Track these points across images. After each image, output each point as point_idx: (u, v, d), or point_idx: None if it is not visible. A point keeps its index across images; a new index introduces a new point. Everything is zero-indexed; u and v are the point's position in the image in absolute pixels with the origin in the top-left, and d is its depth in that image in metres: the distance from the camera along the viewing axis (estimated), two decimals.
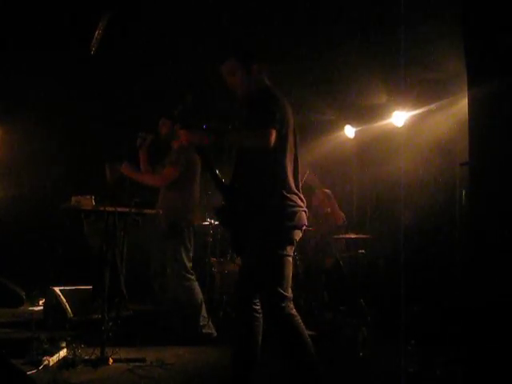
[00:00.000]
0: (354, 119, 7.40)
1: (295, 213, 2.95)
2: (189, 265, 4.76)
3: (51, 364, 3.75)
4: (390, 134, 6.65)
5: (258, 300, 3.03)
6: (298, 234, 3.00)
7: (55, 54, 5.93)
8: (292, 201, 2.95)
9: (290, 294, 2.93)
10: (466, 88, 2.57)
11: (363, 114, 7.19)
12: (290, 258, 2.98)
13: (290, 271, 2.96)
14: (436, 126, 5.99)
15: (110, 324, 3.96)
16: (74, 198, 4.18)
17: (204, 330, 4.73)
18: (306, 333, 2.93)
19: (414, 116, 6.38)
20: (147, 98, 6.70)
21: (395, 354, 3.98)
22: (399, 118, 6.49)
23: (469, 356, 2.56)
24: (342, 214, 6.17)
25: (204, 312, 4.79)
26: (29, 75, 6.17)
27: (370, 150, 7.09)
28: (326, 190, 6.28)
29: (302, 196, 3.03)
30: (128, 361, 3.90)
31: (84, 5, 5.09)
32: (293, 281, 5.33)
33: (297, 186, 3.02)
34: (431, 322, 4.64)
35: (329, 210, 6.24)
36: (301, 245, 5.73)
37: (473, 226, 2.56)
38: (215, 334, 4.78)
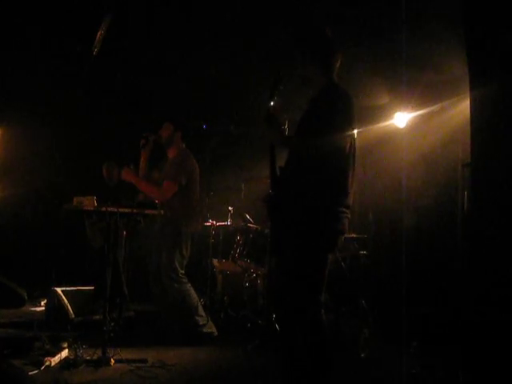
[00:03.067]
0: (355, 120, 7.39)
1: (344, 218, 2.87)
2: (180, 270, 4.73)
3: (53, 364, 3.75)
4: (392, 135, 6.64)
5: None
6: (341, 240, 2.92)
7: (56, 53, 5.94)
8: (344, 206, 2.87)
9: (322, 298, 2.88)
10: (468, 89, 2.57)
11: (365, 114, 7.17)
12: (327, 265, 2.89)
13: (325, 276, 2.88)
14: (438, 127, 5.98)
15: (112, 324, 3.97)
16: (75, 199, 4.18)
17: (204, 330, 4.73)
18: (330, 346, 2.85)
19: (416, 117, 6.37)
20: (149, 98, 6.70)
21: (397, 355, 3.97)
22: (401, 119, 6.48)
23: (469, 357, 2.55)
24: None
25: (202, 312, 4.78)
26: (29, 75, 6.17)
27: (372, 151, 7.08)
28: None
29: (351, 202, 2.94)
30: (129, 361, 3.90)
31: (86, 5, 5.10)
32: None
33: (348, 193, 2.92)
34: (433, 323, 4.64)
35: None
36: None
37: (474, 227, 2.56)
38: (216, 333, 4.79)
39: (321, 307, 2.85)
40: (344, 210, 2.87)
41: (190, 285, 4.78)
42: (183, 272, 4.76)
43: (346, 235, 5.76)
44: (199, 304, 4.80)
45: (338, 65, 3.07)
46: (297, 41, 3.08)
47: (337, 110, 2.84)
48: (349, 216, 2.91)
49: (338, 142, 2.81)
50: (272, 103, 2.96)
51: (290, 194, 2.87)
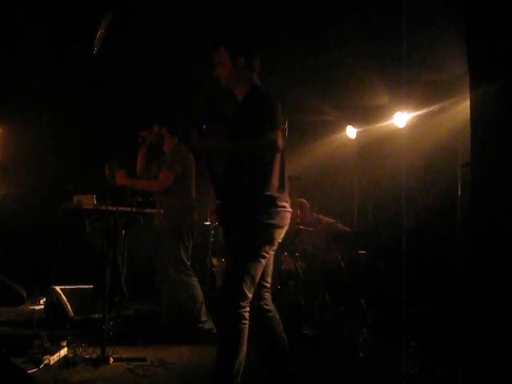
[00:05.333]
0: (355, 120, 7.40)
1: (277, 212, 2.92)
2: (187, 262, 4.80)
3: (52, 363, 3.75)
4: (392, 135, 6.64)
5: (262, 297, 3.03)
6: (279, 234, 2.96)
7: (57, 53, 5.94)
8: (276, 200, 2.92)
9: (251, 295, 2.85)
10: (468, 89, 2.57)
11: (365, 114, 7.18)
12: (264, 260, 2.92)
13: (259, 273, 2.90)
14: (438, 128, 5.99)
15: (111, 323, 3.97)
16: (75, 197, 4.19)
17: (206, 326, 4.75)
18: (245, 346, 2.83)
19: (416, 117, 6.38)
20: (149, 97, 6.71)
21: (396, 355, 3.96)
22: (401, 119, 6.48)
23: (468, 357, 2.56)
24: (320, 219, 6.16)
25: (204, 308, 4.82)
26: (30, 75, 6.18)
27: (372, 151, 7.09)
28: (302, 200, 6.24)
29: (287, 197, 3.00)
30: (129, 360, 3.90)
31: (86, 4, 5.10)
32: (294, 281, 5.37)
33: (283, 187, 2.98)
34: (432, 323, 4.64)
35: (298, 220, 6.17)
36: (301, 246, 5.74)
37: (474, 227, 2.56)
38: (215, 329, 4.81)
39: (246, 301, 2.82)
40: (282, 205, 2.94)
41: (196, 279, 4.83)
42: (189, 264, 4.80)
43: (345, 236, 5.82)
44: (203, 300, 4.84)
45: (258, 67, 3.14)
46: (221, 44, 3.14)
47: (267, 108, 2.91)
48: (289, 211, 2.99)
49: (274, 137, 2.86)
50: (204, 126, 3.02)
51: (235, 196, 2.96)
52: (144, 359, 3.97)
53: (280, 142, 2.86)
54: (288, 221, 3.00)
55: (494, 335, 2.36)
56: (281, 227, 2.96)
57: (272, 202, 2.91)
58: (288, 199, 3.02)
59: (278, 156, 2.97)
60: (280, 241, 3.02)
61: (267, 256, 2.94)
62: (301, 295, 5.26)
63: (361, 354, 4.41)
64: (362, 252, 5.46)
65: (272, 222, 2.89)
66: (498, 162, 2.42)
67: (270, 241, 2.92)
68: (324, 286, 5.53)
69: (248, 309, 2.84)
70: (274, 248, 3.01)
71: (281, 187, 2.97)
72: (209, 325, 4.80)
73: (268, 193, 2.90)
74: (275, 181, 2.94)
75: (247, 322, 2.82)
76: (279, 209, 2.93)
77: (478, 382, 2.45)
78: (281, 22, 5.15)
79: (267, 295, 3.08)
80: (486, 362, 2.40)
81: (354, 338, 4.60)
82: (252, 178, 2.92)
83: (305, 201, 6.23)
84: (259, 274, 2.90)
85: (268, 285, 3.09)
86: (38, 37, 5.70)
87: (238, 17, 5.13)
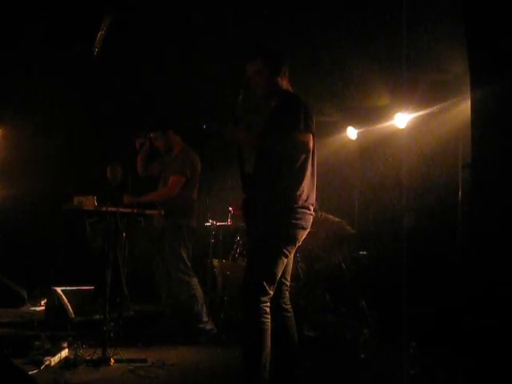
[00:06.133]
0: (356, 121, 7.40)
1: (304, 213, 3.00)
2: (188, 263, 4.80)
3: (53, 364, 3.75)
4: (393, 136, 6.64)
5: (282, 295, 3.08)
6: (302, 235, 3.03)
7: (57, 54, 5.94)
8: (303, 203, 3.01)
9: (272, 291, 2.93)
10: (469, 89, 2.57)
11: (366, 115, 7.18)
12: (286, 259, 3.00)
13: (280, 270, 2.98)
14: (438, 128, 5.98)
15: (112, 324, 3.97)
16: (76, 199, 4.19)
17: (207, 327, 4.75)
18: (269, 340, 2.88)
19: (417, 118, 6.37)
20: (149, 98, 6.71)
21: (396, 356, 3.97)
22: (402, 119, 6.48)
23: (468, 357, 2.55)
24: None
25: (205, 308, 4.83)
26: (30, 75, 6.18)
27: (373, 152, 7.08)
28: None
29: (313, 201, 3.10)
30: (129, 361, 3.90)
31: (87, 5, 5.10)
32: (295, 282, 5.36)
33: (312, 190, 3.09)
34: (432, 323, 4.63)
35: (322, 213, 6.21)
36: (302, 247, 5.74)
37: (474, 228, 2.56)
38: (215, 330, 4.82)
39: (268, 297, 2.90)
40: (307, 206, 3.03)
41: (196, 279, 4.83)
42: (190, 264, 4.81)
43: (350, 237, 5.81)
44: (204, 301, 4.84)
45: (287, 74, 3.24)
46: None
47: (301, 112, 2.99)
48: (312, 214, 3.07)
49: (306, 139, 2.96)
50: (238, 101, 3.12)
51: (263, 194, 3.03)
52: (145, 360, 3.97)
53: (311, 145, 2.97)
54: (311, 223, 3.07)
55: (495, 335, 2.36)
56: (305, 228, 3.04)
57: (300, 203, 2.98)
58: (314, 203, 3.11)
59: (310, 159, 3.07)
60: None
61: (289, 255, 3.02)
62: (301, 296, 5.26)
63: (362, 355, 4.41)
64: (362, 253, 5.46)
65: (298, 222, 2.97)
66: (499, 162, 2.42)
67: (294, 240, 3.00)
68: (325, 286, 5.53)
69: (269, 304, 2.91)
70: (295, 248, 3.07)
71: (310, 190, 3.06)
72: (210, 325, 4.80)
73: (298, 193, 2.98)
74: (306, 182, 3.04)
75: (269, 316, 2.89)
76: (306, 210, 3.02)
77: (479, 381, 2.45)
78: (280, 22, 5.14)
79: (286, 294, 3.14)
80: (487, 362, 2.39)
81: (355, 338, 4.60)
82: (284, 177, 2.99)
83: None
84: (280, 272, 2.97)
85: (288, 283, 3.15)
86: (38, 38, 5.70)
87: (237, 17, 5.12)
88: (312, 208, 3.08)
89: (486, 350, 2.40)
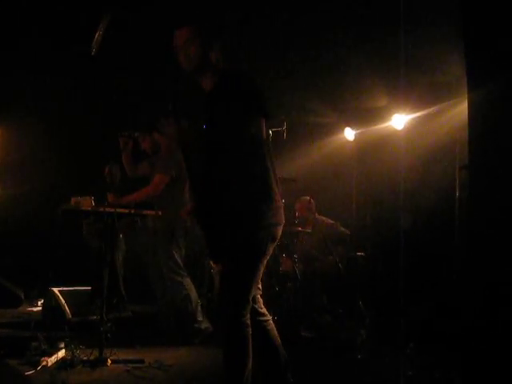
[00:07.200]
0: (353, 122, 7.41)
1: (279, 208, 2.73)
2: (180, 263, 4.79)
3: (49, 365, 3.74)
4: (390, 137, 6.65)
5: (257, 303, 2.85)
6: (279, 232, 2.77)
7: (56, 54, 5.94)
8: (275, 195, 2.72)
9: (250, 300, 2.67)
10: (466, 91, 2.58)
11: (363, 116, 7.19)
12: (265, 261, 2.74)
13: (260, 274, 2.73)
14: (436, 129, 5.99)
15: (109, 325, 3.95)
16: (73, 199, 4.18)
17: (202, 326, 4.76)
18: (251, 354, 2.65)
19: (414, 119, 6.39)
20: (149, 98, 6.70)
21: (394, 357, 3.98)
22: (399, 120, 6.49)
23: (466, 358, 2.56)
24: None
25: (200, 307, 4.83)
26: (29, 75, 6.18)
27: (370, 153, 7.09)
28: (309, 198, 6.28)
29: (279, 192, 2.79)
30: (126, 362, 3.89)
31: (85, 5, 5.10)
32: (292, 283, 5.36)
33: (276, 181, 2.75)
34: (430, 324, 4.64)
35: (312, 216, 6.24)
36: (299, 248, 5.75)
37: (472, 229, 2.56)
38: (211, 328, 4.82)
39: (248, 307, 2.65)
40: (277, 199, 2.74)
41: (189, 279, 4.82)
42: (182, 265, 4.80)
43: (345, 238, 5.82)
44: (198, 300, 4.84)
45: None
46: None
47: (246, 91, 2.66)
48: (281, 206, 2.77)
49: (257, 128, 2.64)
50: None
51: (220, 195, 2.72)
52: (142, 361, 3.97)
53: (263, 129, 2.65)
54: (283, 218, 2.79)
55: (493, 336, 2.36)
56: (281, 224, 2.76)
57: (272, 199, 2.70)
58: (280, 195, 2.80)
59: (268, 147, 2.75)
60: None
61: (268, 256, 2.76)
62: (298, 297, 5.26)
63: (359, 356, 4.41)
64: (359, 254, 5.47)
65: (274, 219, 2.70)
66: (496, 163, 2.42)
67: (274, 240, 2.73)
68: (322, 287, 5.53)
69: (249, 315, 2.67)
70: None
71: (276, 182, 2.76)
72: (205, 324, 4.80)
73: (268, 189, 2.69)
74: (272, 175, 2.74)
75: (250, 328, 2.66)
76: (278, 204, 2.73)
77: (477, 382, 2.45)
78: (280, 22, 5.15)
79: (260, 298, 2.89)
80: (485, 364, 2.40)
81: (352, 339, 4.60)
82: (250, 173, 2.69)
83: (311, 199, 6.25)
84: (260, 276, 2.75)
85: (260, 286, 2.88)
86: (38, 38, 5.70)
87: (237, 18, 5.13)
88: (281, 201, 2.78)
89: (485, 351, 2.40)
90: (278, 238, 2.79)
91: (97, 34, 5.39)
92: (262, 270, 2.73)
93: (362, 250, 5.84)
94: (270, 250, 2.74)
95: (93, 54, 5.62)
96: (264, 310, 2.88)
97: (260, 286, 2.87)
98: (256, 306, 2.82)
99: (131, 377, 3.68)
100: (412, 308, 4.67)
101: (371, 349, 4.51)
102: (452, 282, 4.97)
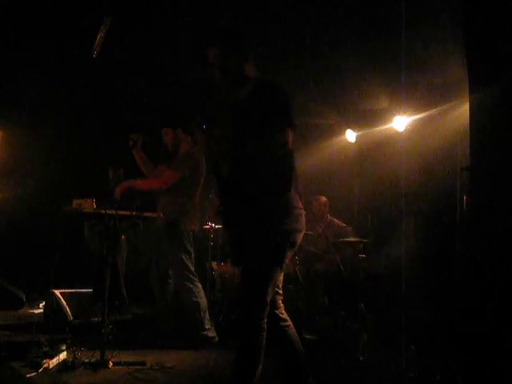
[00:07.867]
0: (355, 124, 7.41)
1: (300, 215, 2.79)
2: (192, 268, 4.75)
3: (51, 367, 3.74)
4: (392, 139, 6.65)
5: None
6: (299, 238, 2.82)
7: (57, 56, 5.95)
8: (297, 202, 2.79)
9: (267, 304, 2.69)
10: (467, 93, 2.58)
11: (364, 118, 7.19)
12: (284, 267, 2.78)
13: (277, 279, 2.78)
14: (437, 131, 5.99)
15: (110, 327, 3.95)
16: (75, 201, 4.18)
17: (209, 334, 4.72)
18: (262, 357, 2.68)
19: (416, 121, 6.38)
20: (149, 99, 6.71)
21: (395, 359, 3.97)
22: (400, 122, 6.49)
23: (467, 360, 2.55)
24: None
25: (208, 315, 4.78)
26: (30, 77, 6.18)
27: (371, 155, 7.09)
28: (325, 199, 6.38)
29: (301, 200, 2.86)
30: (128, 364, 3.90)
31: (86, 8, 5.11)
32: (293, 285, 5.36)
33: (297, 189, 2.83)
34: (431, 327, 4.63)
35: (328, 216, 6.34)
36: (301, 249, 5.75)
37: (473, 230, 2.56)
38: (217, 338, 4.77)
39: (266, 311, 2.68)
40: (299, 207, 2.80)
41: (200, 286, 4.78)
42: (193, 268, 4.76)
43: (344, 239, 5.83)
44: (207, 307, 4.80)
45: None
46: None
47: (280, 103, 2.73)
48: (304, 212, 2.84)
49: (284, 137, 2.71)
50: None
51: (244, 200, 2.77)
52: (143, 363, 3.97)
53: (289, 142, 2.71)
54: (305, 225, 2.86)
55: (494, 339, 2.36)
56: (301, 231, 2.81)
57: (293, 205, 2.76)
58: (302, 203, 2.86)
59: (293, 155, 2.82)
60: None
61: (287, 261, 2.80)
62: (300, 299, 5.26)
63: (360, 358, 4.41)
64: (361, 256, 5.46)
65: (295, 226, 2.76)
66: (497, 165, 2.42)
67: (293, 246, 2.79)
68: (323, 289, 5.53)
69: (266, 319, 2.70)
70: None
71: (297, 188, 2.82)
72: (212, 333, 4.76)
73: (289, 195, 2.76)
74: (294, 182, 2.80)
75: (265, 333, 2.68)
76: (300, 211, 2.79)
77: None
78: (280, 24, 5.15)
79: (281, 303, 2.92)
80: (485, 366, 2.39)
81: (354, 341, 4.60)
82: (276, 181, 2.76)
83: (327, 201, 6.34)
84: (278, 280, 2.79)
85: (281, 291, 2.94)
86: (39, 40, 5.71)
87: (237, 19, 5.13)
88: (303, 207, 2.84)
89: (486, 353, 2.40)
90: (298, 244, 2.84)
91: (98, 37, 5.41)
92: (280, 274, 2.78)
93: (364, 252, 5.83)
94: (289, 256, 2.79)
95: (94, 56, 5.64)
96: (285, 316, 2.91)
97: (281, 291, 2.93)
98: (277, 312, 2.87)
99: (133, 379, 3.68)
100: (413, 311, 4.66)
101: (373, 351, 4.51)
102: (454, 283, 4.96)
